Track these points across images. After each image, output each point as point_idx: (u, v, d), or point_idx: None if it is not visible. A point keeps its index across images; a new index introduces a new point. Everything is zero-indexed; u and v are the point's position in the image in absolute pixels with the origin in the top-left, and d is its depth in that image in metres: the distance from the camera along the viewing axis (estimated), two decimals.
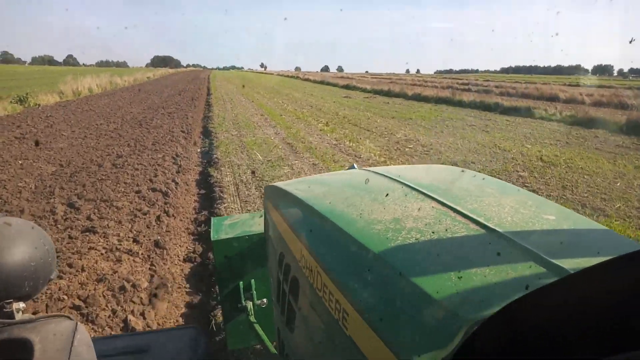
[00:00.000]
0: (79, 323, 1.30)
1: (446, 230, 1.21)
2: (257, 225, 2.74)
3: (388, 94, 33.67)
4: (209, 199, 6.87)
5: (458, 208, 1.34)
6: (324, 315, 1.23)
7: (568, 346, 0.58)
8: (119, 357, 2.03)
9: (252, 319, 2.72)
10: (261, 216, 2.71)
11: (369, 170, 1.98)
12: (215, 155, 9.69)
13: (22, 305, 1.28)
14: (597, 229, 1.34)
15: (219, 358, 3.29)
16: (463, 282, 0.95)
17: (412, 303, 0.96)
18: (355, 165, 2.37)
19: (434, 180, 1.82)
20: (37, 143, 10.45)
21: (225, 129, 13.78)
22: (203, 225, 5.70)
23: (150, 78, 50.12)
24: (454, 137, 13.28)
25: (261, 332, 2.66)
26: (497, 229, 1.18)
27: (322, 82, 54.10)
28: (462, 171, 2.01)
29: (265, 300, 2.79)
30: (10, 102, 18.32)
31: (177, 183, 7.38)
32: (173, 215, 5.90)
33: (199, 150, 11.00)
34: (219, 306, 3.52)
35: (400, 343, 0.90)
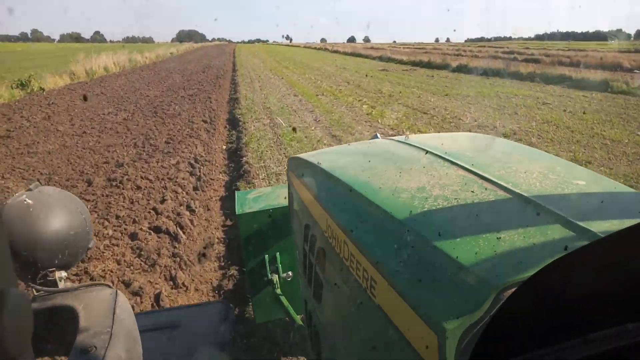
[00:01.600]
0: (119, 291, 1.35)
1: (473, 196, 1.21)
2: (281, 198, 2.71)
3: (429, 65, 30.78)
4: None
5: (485, 175, 1.34)
6: (352, 285, 1.23)
7: (601, 310, 0.58)
8: (151, 333, 2.21)
9: (278, 291, 2.69)
10: (283, 188, 2.77)
11: (394, 140, 1.97)
12: (245, 159, 7.42)
13: (64, 274, 1.35)
14: (628, 192, 1.31)
15: (247, 331, 3.17)
16: (491, 248, 0.95)
17: (440, 269, 0.95)
18: (378, 135, 2.34)
19: (461, 148, 1.80)
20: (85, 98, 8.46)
21: (256, 117, 11.47)
22: (239, 307, 3.49)
23: (173, 54, 47.80)
24: (541, 121, 10.64)
25: (287, 305, 2.64)
26: (525, 194, 1.17)
27: (352, 54, 51.14)
28: (491, 138, 2.04)
29: (290, 273, 2.74)
30: (11, 86, 15.85)
31: (193, 211, 5.17)
32: (182, 287, 3.66)
33: (224, 147, 8.75)
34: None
35: (429, 309, 0.90)
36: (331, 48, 69.20)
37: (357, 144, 2.38)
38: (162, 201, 5.43)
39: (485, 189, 1.25)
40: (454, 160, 1.50)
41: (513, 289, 0.79)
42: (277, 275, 2.75)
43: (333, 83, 20.66)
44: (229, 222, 5.17)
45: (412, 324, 0.93)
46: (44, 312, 1.29)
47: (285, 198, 2.56)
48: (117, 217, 4.96)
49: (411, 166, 1.52)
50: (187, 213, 5.08)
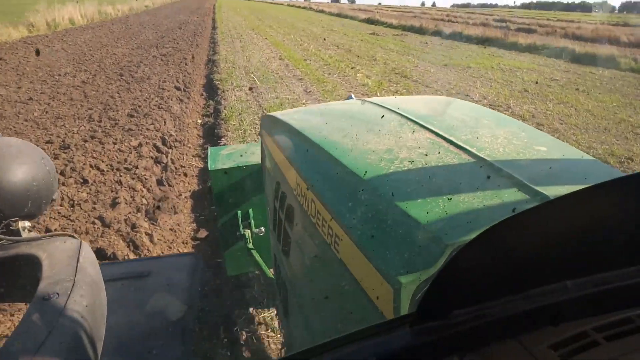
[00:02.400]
0: (83, 242, 1.38)
1: (438, 159, 1.25)
2: (254, 155, 2.70)
3: (420, 31, 29.20)
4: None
5: (452, 138, 1.38)
6: (318, 240, 1.27)
7: (544, 268, 0.63)
8: (120, 282, 2.24)
9: (250, 246, 2.71)
10: (257, 146, 2.69)
11: (367, 101, 1.98)
12: (224, 140, 6.10)
13: (27, 223, 1.37)
14: (585, 159, 1.38)
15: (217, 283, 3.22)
16: (449, 208, 1.00)
17: (398, 226, 1.01)
18: (352, 95, 2.34)
19: (431, 111, 1.84)
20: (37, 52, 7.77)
21: (237, 84, 10.03)
22: None
23: (149, 7, 44.65)
24: (556, 102, 9.48)
25: (259, 259, 2.67)
26: (487, 158, 1.22)
27: (339, 15, 48.88)
28: (463, 103, 2.02)
29: (262, 228, 2.74)
30: None
31: (155, 220, 3.88)
32: None
33: (199, 122, 7.38)
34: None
35: (386, 264, 0.95)
36: (316, 8, 66.40)
37: (331, 104, 2.42)
38: (113, 204, 4.11)
39: (451, 152, 1.29)
40: (423, 124, 1.53)
41: None
42: (249, 231, 2.75)
43: (321, 46, 19.10)
44: (202, 234, 3.92)
45: (370, 277, 0.99)
46: (7, 261, 1.30)
47: (258, 155, 2.50)
48: (47, 230, 3.60)
49: (381, 128, 1.55)
50: (146, 225, 3.79)
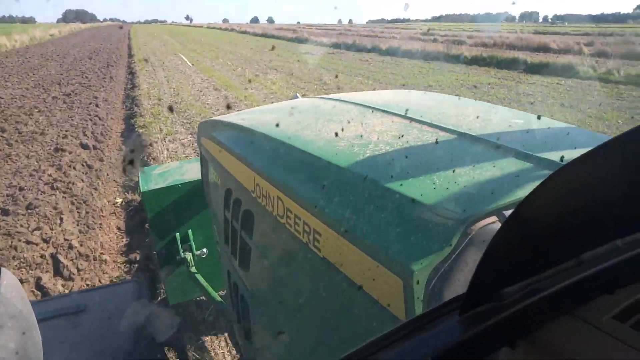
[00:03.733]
0: (4, 268, 1.14)
1: (416, 139, 1.16)
2: (189, 173, 2.56)
3: (355, 47, 27.83)
4: None
5: (423, 119, 1.30)
6: (290, 242, 1.14)
7: (589, 231, 0.59)
8: (54, 321, 2.02)
9: (193, 269, 2.55)
10: (192, 163, 2.70)
11: (317, 97, 1.92)
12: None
13: None
14: (566, 127, 1.34)
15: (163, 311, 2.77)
16: (448, 184, 0.90)
17: (398, 210, 0.88)
18: (298, 95, 2.27)
19: (390, 100, 1.74)
20: None
21: (168, 131, 7.59)
22: None
23: (54, 36, 40.02)
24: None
25: (204, 282, 2.49)
26: (468, 132, 1.15)
27: (264, 35, 46.96)
28: (416, 91, 1.97)
29: (205, 250, 2.59)
30: None
31: None
32: None
33: (118, 204, 4.92)
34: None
35: (390, 253, 0.82)
36: (238, 29, 64.20)
37: (277, 104, 2.29)
38: None
39: (427, 131, 1.20)
40: (387, 110, 1.45)
41: (480, 222, 0.77)
42: (190, 253, 2.57)
43: (258, 70, 16.96)
44: None
45: (369, 272, 0.86)
46: None
47: (193, 172, 2.40)
48: None
49: (342, 117, 1.46)
50: None
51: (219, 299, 2.42)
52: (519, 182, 0.89)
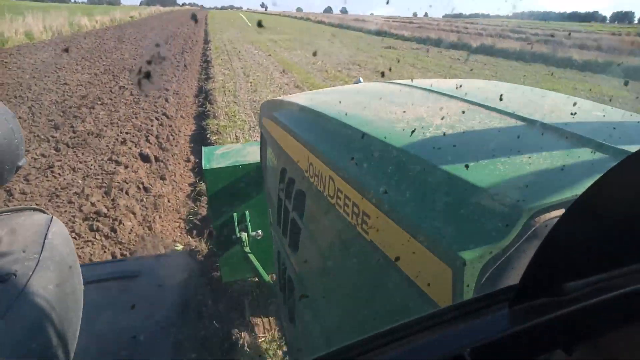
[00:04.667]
0: (54, 217, 1.21)
1: (482, 124, 1.08)
2: (250, 155, 2.58)
3: (439, 43, 25.61)
4: None
5: (491, 105, 1.22)
6: (338, 223, 1.11)
7: None
8: (107, 283, 2.09)
9: (247, 249, 2.56)
10: (253, 145, 2.69)
11: (378, 81, 1.85)
12: None
13: None
14: None
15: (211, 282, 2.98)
16: (513, 171, 0.83)
17: (455, 195, 0.81)
18: (361, 79, 2.22)
19: (457, 86, 1.64)
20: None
21: (248, 139, 6.19)
22: None
23: (134, 18, 40.41)
24: None
25: (257, 263, 2.52)
26: (540, 120, 1.07)
27: (340, 26, 45.35)
28: (486, 81, 1.88)
29: (260, 232, 2.59)
30: None
31: None
32: None
33: (179, 249, 3.49)
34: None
35: (441, 239, 0.75)
36: (314, 18, 62.98)
37: (339, 87, 2.22)
38: None
39: (494, 117, 1.11)
40: (452, 94, 1.38)
41: (546, 214, 0.72)
42: (245, 234, 2.58)
43: (339, 65, 15.38)
44: None
45: (416, 257, 0.79)
46: None
47: (254, 155, 2.42)
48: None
49: (405, 100, 1.41)
50: None
51: (268, 280, 2.49)
52: (591, 174, 0.78)
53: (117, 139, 5.86)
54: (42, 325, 1.02)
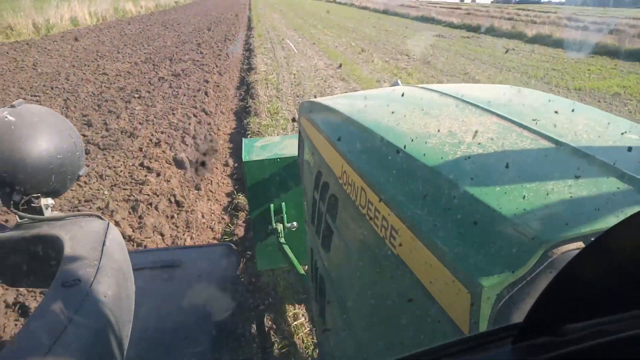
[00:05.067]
0: (110, 223, 1.27)
1: (512, 144, 1.08)
2: (288, 148, 2.63)
3: (493, 32, 24.25)
4: None
5: (524, 123, 1.20)
6: (368, 234, 1.13)
7: None
8: (151, 271, 2.17)
9: (282, 240, 2.65)
10: (292, 139, 2.69)
11: (417, 87, 1.84)
12: None
13: (50, 201, 1.26)
14: None
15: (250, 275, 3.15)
16: (537, 199, 0.83)
17: (478, 220, 0.83)
18: (399, 82, 2.24)
19: (493, 96, 1.66)
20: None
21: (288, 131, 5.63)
22: None
23: (179, 2, 40.40)
24: None
25: (291, 254, 2.59)
26: (571, 144, 1.03)
27: (385, 12, 44.00)
28: (526, 90, 1.79)
29: (295, 223, 2.66)
30: None
31: None
32: None
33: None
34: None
35: (463, 263, 0.78)
36: (358, 3, 61.54)
37: (377, 90, 2.27)
38: None
39: (525, 137, 1.11)
40: (487, 108, 1.36)
41: (564, 247, 0.74)
42: (281, 225, 2.66)
43: (386, 55, 14.67)
44: None
45: (440, 278, 0.82)
46: (27, 241, 1.22)
47: (292, 148, 2.45)
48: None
49: (439, 112, 1.39)
50: None
51: (302, 271, 2.50)
52: (616, 207, 0.78)
53: (150, 140, 5.43)
54: (103, 330, 1.06)
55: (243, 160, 2.55)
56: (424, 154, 1.06)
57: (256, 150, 2.66)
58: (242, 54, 13.78)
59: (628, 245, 0.46)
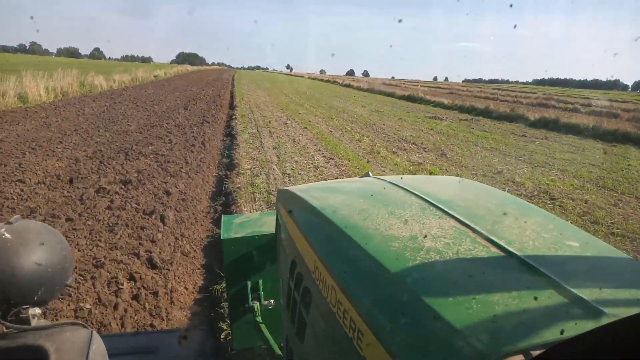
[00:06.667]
0: (94, 332, 1.27)
1: (466, 252, 1.16)
2: (267, 225, 2.62)
3: (490, 114, 22.79)
4: None
5: (478, 228, 1.28)
6: (338, 332, 1.14)
7: None
8: (127, 357, 2.15)
9: (259, 319, 2.61)
10: (271, 215, 2.66)
11: (384, 180, 1.93)
12: None
13: (37, 311, 1.27)
14: (619, 257, 1.27)
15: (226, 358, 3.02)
16: (484, 312, 0.89)
17: (431, 331, 0.89)
18: (370, 173, 2.28)
19: (453, 195, 1.74)
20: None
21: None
22: None
23: (158, 77, 38.53)
24: None
25: (267, 333, 2.55)
26: (518, 253, 1.12)
27: (370, 91, 43.31)
28: (485, 188, 1.95)
29: (272, 301, 2.62)
30: None
31: None
32: None
33: None
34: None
35: None
36: (341, 81, 61.57)
37: (349, 181, 2.42)
38: None
39: (478, 244, 1.19)
40: (446, 210, 1.43)
41: (509, 358, 0.77)
42: (258, 303, 2.60)
43: (389, 142, 12.65)
44: None
45: None
46: (14, 351, 1.19)
47: (271, 225, 2.42)
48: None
49: (403, 212, 1.46)
50: None
51: (278, 352, 2.43)
52: (555, 321, 0.84)
53: None
54: None
55: (221, 237, 2.51)
56: (387, 258, 1.11)
57: (235, 227, 2.61)
58: (221, 140, 11.44)
59: None
